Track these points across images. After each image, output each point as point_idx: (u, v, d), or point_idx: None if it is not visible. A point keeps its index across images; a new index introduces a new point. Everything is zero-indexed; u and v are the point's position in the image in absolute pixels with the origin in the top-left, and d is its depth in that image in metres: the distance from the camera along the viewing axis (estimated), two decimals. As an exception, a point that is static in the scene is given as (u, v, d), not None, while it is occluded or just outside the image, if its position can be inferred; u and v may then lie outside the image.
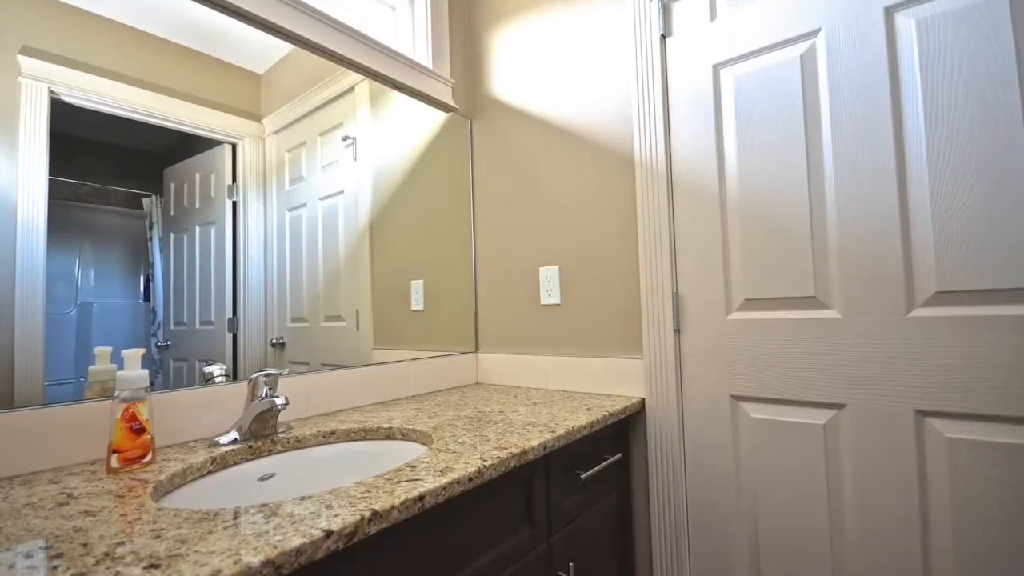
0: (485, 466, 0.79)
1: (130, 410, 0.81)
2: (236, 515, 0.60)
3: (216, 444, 0.93)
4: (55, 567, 0.49)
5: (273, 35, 1.20)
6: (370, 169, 1.42)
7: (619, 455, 1.21)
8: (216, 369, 1.07)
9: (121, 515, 0.62)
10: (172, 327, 1.01)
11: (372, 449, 1.05)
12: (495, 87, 1.70)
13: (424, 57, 1.62)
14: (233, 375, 1.09)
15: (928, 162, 0.98)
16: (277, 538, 0.54)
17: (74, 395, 0.87)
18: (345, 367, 1.30)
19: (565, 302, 1.49)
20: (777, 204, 1.14)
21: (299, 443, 1.01)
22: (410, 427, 1.05)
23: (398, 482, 0.71)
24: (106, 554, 0.51)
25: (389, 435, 1.06)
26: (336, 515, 0.60)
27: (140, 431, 0.81)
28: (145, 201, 0.99)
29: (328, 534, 0.56)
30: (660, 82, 1.30)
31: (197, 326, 1.04)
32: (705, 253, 1.24)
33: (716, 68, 1.24)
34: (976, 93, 0.93)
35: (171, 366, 1.00)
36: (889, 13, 1.02)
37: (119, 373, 0.82)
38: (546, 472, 0.99)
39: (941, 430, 0.96)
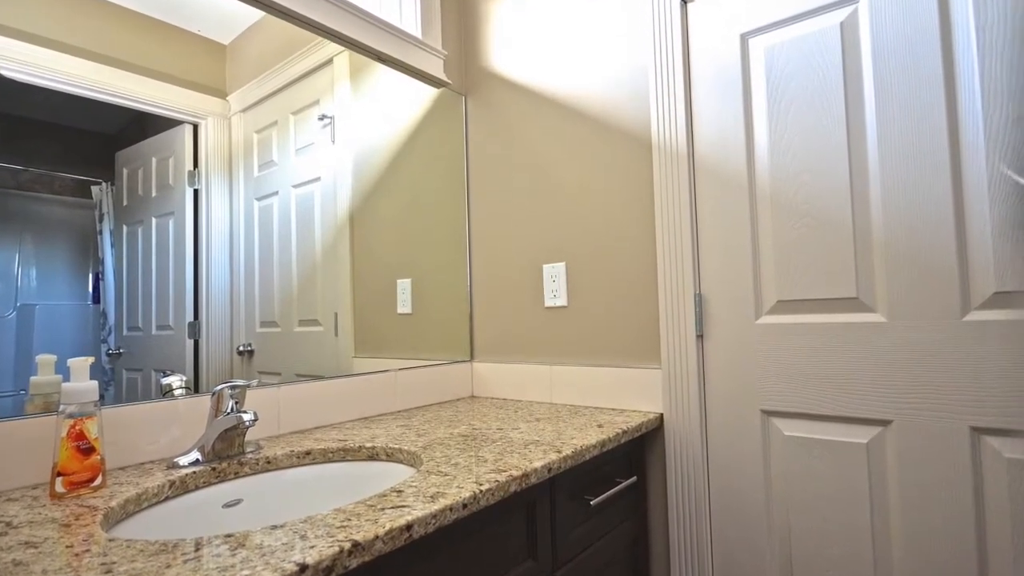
0: (481, 491, 0.79)
1: (77, 427, 0.81)
2: (198, 547, 0.60)
3: (175, 466, 0.93)
4: (-9, 606, 0.49)
5: None
6: (350, 153, 1.42)
7: (634, 478, 1.21)
8: (175, 380, 1.06)
9: (67, 547, 0.61)
10: (125, 332, 1.01)
11: (353, 471, 1.05)
12: (493, 60, 1.70)
13: (412, 26, 1.62)
14: (195, 387, 1.09)
15: (986, 144, 0.97)
16: (244, 573, 0.54)
17: (13, 410, 0.87)
18: (322, 378, 1.30)
19: (572, 304, 1.50)
20: (814, 193, 1.14)
21: (270, 464, 1.01)
22: (396, 446, 1.05)
23: (382, 509, 0.71)
24: (49, 591, 0.51)
25: (372, 455, 1.06)
26: (312, 547, 0.59)
27: (88, 451, 0.81)
28: (94, 189, 0.99)
29: (302, 568, 0.56)
30: (680, 53, 1.30)
31: (153, 331, 1.04)
32: (732, 248, 1.24)
33: (744, 38, 1.24)
34: (1040, 66, 0.93)
35: (124, 377, 1.00)
36: (941, -25, 1.02)
37: (64, 385, 0.82)
38: (551, 498, 0.99)
39: (1000, 449, 0.96)
